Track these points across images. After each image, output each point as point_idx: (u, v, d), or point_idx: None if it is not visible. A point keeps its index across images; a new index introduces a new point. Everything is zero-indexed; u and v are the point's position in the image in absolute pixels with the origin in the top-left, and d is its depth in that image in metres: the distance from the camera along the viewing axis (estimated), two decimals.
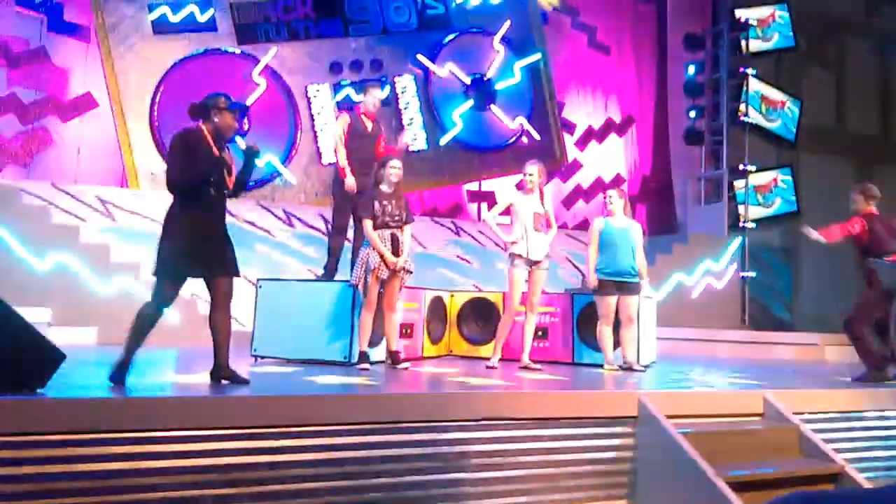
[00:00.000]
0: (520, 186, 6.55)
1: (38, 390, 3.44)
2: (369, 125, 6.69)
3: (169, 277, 4.10)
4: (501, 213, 6.45)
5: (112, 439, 3.20)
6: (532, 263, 6.20)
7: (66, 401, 3.33)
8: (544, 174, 6.39)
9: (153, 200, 8.59)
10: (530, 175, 6.30)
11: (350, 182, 6.42)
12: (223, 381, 4.25)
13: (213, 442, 3.39)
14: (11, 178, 9.00)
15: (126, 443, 3.22)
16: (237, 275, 4.32)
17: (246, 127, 10.42)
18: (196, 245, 4.12)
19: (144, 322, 4.08)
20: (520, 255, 6.17)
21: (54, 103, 9.65)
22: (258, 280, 6.59)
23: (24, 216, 7.98)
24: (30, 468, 3.03)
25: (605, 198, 6.69)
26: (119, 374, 3.96)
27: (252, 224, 9.89)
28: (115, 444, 3.20)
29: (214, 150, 4.26)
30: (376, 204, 5.71)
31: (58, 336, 4.61)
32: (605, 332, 6.39)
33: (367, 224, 5.70)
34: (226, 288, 4.27)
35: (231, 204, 9.83)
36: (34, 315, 6.54)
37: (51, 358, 3.55)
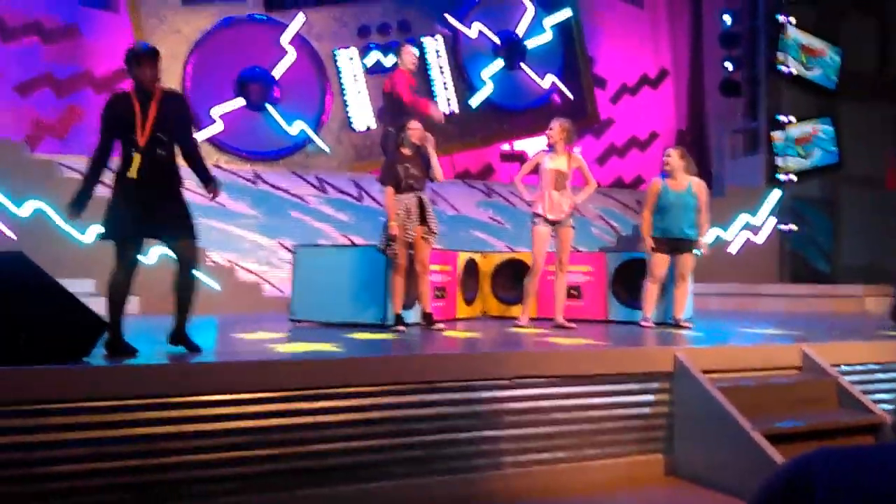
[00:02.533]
0: (548, 145, 6.48)
1: (83, 359, 3.55)
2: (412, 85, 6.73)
3: (116, 240, 4.08)
4: (530, 173, 6.41)
5: (156, 404, 3.30)
6: (553, 222, 6.17)
7: (109, 368, 3.44)
8: (569, 132, 6.27)
9: (187, 171, 8.71)
10: (550, 131, 6.25)
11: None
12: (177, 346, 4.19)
13: (255, 405, 3.48)
14: (48, 153, 9.17)
15: (169, 407, 3.32)
16: (189, 237, 4.20)
17: (277, 95, 10.47)
18: (134, 207, 4.03)
19: (115, 291, 4.07)
20: (539, 214, 6.17)
21: (88, 77, 9.77)
22: (294, 247, 6.67)
23: (63, 189, 8.12)
24: (78, 433, 3.14)
25: (664, 156, 6.42)
26: (113, 348, 3.91)
27: (286, 191, 9.98)
28: (158, 409, 3.30)
29: (135, 107, 4.07)
30: (399, 168, 5.73)
31: (101, 306, 4.72)
32: (650, 289, 6.29)
33: (388, 191, 5.72)
34: (181, 251, 4.19)
35: (264, 172, 9.84)
36: (77, 286, 6.69)
37: (94, 328, 3.67)
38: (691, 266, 6.28)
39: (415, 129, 5.81)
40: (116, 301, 4.06)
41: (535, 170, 6.35)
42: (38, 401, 3.13)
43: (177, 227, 4.17)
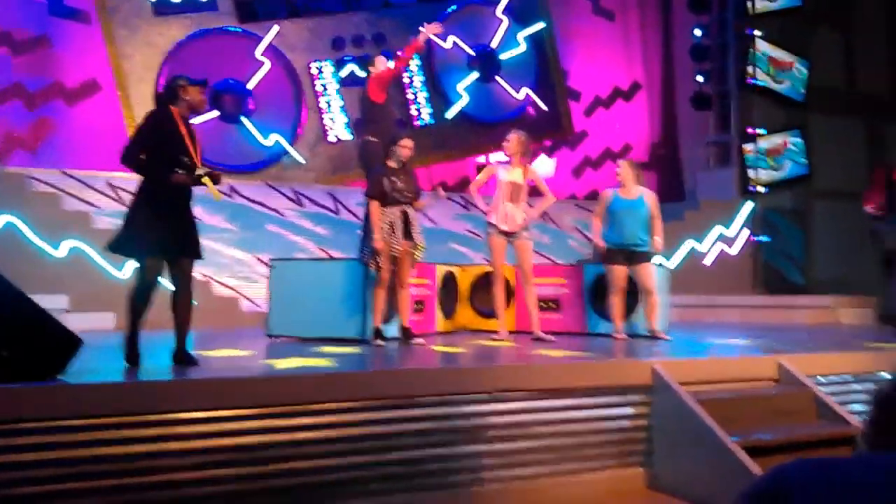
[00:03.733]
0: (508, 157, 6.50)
1: (58, 377, 3.48)
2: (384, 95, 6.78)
3: (147, 255, 4.18)
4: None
5: (132, 422, 3.24)
6: (507, 234, 6.21)
7: (85, 386, 3.37)
8: (525, 144, 6.33)
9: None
10: (507, 143, 6.30)
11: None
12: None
13: (233, 422, 3.43)
14: (19, 166, 9.03)
15: (146, 425, 3.27)
16: (201, 257, 4.39)
17: (251, 107, 10.42)
18: (165, 225, 4.17)
19: (136, 301, 4.18)
20: (492, 223, 6.24)
21: (60, 89, 9.64)
22: (271, 261, 6.62)
23: (35, 203, 8.02)
24: (52, 453, 3.08)
25: (616, 167, 6.66)
26: (129, 354, 4.12)
27: (261, 204, 9.91)
28: (135, 427, 3.24)
29: (183, 129, 4.28)
30: (385, 181, 5.71)
31: (75, 322, 4.65)
32: (614, 301, 6.40)
33: (373, 205, 5.69)
34: (188, 270, 4.34)
35: (240, 185, 9.79)
36: (51, 302, 6.60)
37: (69, 344, 3.59)
38: (654, 276, 6.37)
39: (406, 146, 5.81)
40: (139, 311, 4.18)
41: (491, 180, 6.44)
42: (10, 420, 3.06)
43: (195, 247, 4.33)
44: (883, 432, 1.07)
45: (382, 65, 6.83)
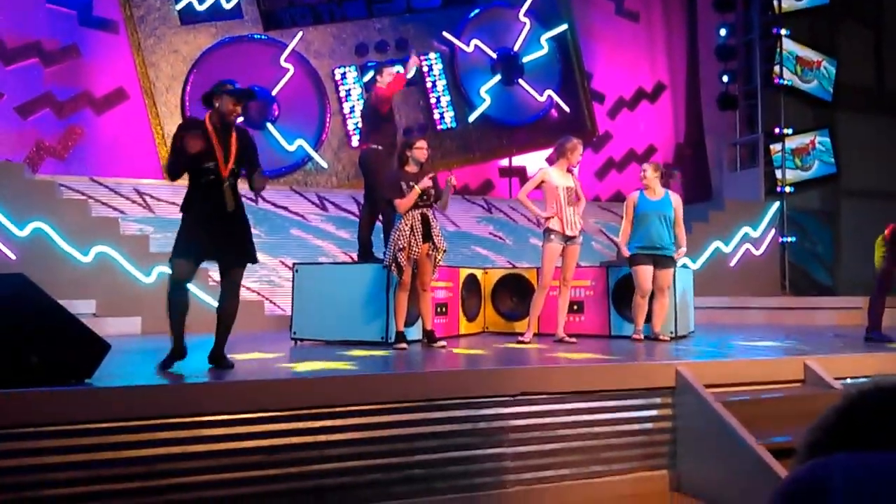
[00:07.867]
0: (550, 161, 6.53)
1: (86, 380, 3.54)
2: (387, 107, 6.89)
3: (177, 256, 4.27)
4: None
5: (157, 425, 3.29)
6: (567, 238, 6.19)
7: (112, 389, 3.42)
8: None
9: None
10: (575, 152, 6.28)
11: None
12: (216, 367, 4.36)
13: (258, 424, 3.46)
14: (49, 173, 9.19)
15: (171, 428, 3.31)
16: (249, 262, 4.46)
17: (276, 113, 10.51)
18: (199, 230, 4.25)
19: (174, 304, 4.26)
20: (555, 230, 6.16)
21: (88, 98, 9.80)
22: (295, 265, 6.67)
23: (64, 210, 8.15)
24: (79, 456, 3.13)
25: (640, 171, 6.66)
26: (170, 360, 4.18)
27: (286, 209, 10.00)
28: (160, 430, 3.28)
29: (214, 138, 4.30)
30: (403, 185, 5.73)
31: (103, 327, 4.74)
32: (638, 302, 6.38)
33: (399, 204, 5.71)
34: (235, 276, 4.42)
35: (264, 191, 9.94)
36: (79, 307, 6.73)
37: (96, 349, 3.65)
38: (671, 279, 6.36)
39: (421, 147, 5.84)
40: (179, 314, 4.27)
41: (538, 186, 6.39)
42: (40, 423, 3.12)
43: (243, 252, 4.40)
44: (849, 426, 1.00)
45: (390, 76, 6.92)
